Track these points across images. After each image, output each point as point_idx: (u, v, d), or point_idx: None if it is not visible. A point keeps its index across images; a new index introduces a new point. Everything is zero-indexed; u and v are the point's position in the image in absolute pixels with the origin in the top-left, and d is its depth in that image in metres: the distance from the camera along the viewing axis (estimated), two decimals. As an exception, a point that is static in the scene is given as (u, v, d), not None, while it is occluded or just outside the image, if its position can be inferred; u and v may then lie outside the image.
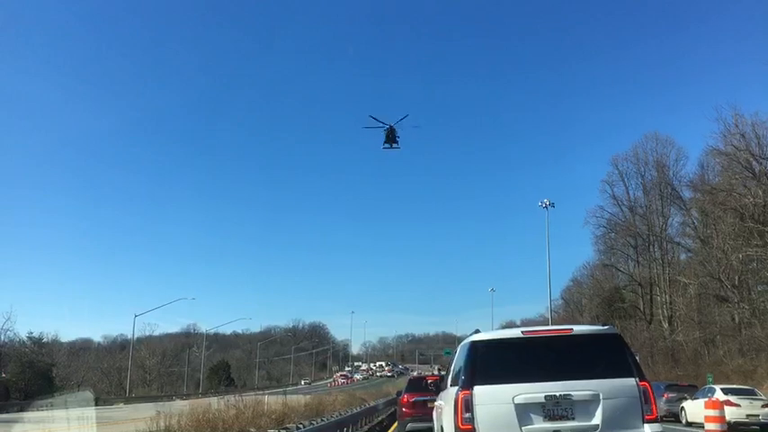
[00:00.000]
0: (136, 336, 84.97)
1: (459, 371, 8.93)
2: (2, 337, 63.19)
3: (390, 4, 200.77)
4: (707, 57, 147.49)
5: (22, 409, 41.35)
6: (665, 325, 63.79)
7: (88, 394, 36.40)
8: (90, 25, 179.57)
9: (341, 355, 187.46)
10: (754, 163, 48.36)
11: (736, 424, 25.55)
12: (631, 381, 8.08)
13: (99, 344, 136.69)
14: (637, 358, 8.87)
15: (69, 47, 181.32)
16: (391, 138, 42.14)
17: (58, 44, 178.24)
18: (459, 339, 12.97)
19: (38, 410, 33.80)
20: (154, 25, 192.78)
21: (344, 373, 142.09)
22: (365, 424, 26.61)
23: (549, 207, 62.89)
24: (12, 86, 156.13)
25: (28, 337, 67.88)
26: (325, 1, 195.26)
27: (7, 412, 41.71)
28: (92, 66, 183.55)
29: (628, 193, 72.77)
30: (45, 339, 73.11)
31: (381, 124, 42.19)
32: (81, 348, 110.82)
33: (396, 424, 25.79)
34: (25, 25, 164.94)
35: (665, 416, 29.67)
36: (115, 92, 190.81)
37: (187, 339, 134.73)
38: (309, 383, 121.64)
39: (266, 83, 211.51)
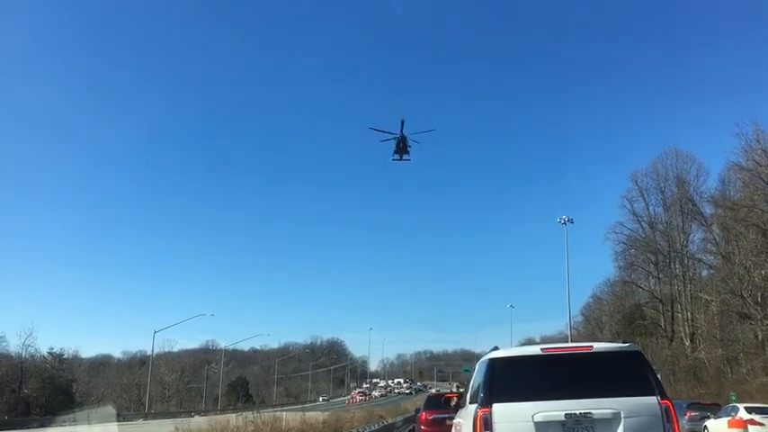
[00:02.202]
0: (155, 352, 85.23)
1: (478, 388, 8.87)
2: (23, 354, 64.09)
3: (403, 18, 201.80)
4: (728, 72, 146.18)
5: (42, 425, 41.65)
6: (687, 342, 62.91)
7: (110, 409, 36.51)
8: (99, 39, 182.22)
9: (359, 372, 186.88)
10: (775, 179, 47.89)
11: (761, 443, 25.11)
12: (653, 399, 7.95)
13: (119, 360, 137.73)
14: (658, 376, 8.75)
15: (76, 58, 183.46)
16: (402, 148, 40.67)
17: (58, 54, 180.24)
18: (478, 356, 12.94)
19: (60, 425, 34.08)
20: (164, 39, 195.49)
21: (362, 389, 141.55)
22: (383, 441, 26.52)
23: (567, 223, 62.76)
24: (27, 103, 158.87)
25: (49, 353, 68.85)
26: (336, 13, 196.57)
27: (28, 428, 41.98)
28: (101, 78, 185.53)
29: (648, 208, 72.40)
30: (66, 355, 74.16)
31: (390, 134, 40.64)
32: (101, 364, 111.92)
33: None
34: (37, 39, 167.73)
35: (687, 435, 29.26)
36: (126, 106, 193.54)
37: (206, 355, 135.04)
38: (327, 400, 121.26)
39: (278, 97, 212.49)
